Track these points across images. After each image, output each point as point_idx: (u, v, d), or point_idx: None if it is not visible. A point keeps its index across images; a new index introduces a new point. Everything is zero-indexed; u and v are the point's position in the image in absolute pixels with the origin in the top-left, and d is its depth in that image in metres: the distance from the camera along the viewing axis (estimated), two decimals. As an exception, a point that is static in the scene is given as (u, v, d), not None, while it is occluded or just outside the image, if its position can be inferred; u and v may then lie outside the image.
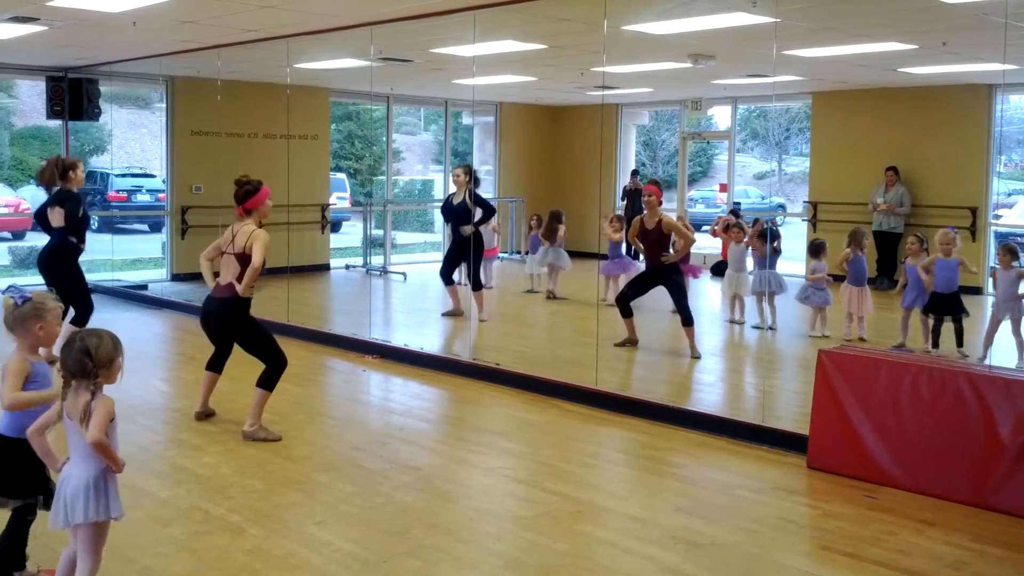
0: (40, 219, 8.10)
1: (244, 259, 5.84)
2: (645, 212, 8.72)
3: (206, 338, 6.36)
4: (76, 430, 3.37)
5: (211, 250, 6.11)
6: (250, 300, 5.99)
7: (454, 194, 10.34)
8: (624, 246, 11.81)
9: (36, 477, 3.66)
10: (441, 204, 10.72)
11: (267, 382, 6.02)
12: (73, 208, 7.80)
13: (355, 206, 23.10)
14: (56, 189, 7.88)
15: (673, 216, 9.69)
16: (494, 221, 11.56)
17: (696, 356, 8.55)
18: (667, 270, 8.65)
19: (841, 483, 5.28)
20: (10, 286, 3.81)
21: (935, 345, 8.31)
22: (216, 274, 6.07)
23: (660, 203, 8.67)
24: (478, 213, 10.10)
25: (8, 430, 3.61)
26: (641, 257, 9.60)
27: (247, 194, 5.96)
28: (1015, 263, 7.89)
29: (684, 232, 8.96)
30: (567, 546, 4.38)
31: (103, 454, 3.33)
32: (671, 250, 8.71)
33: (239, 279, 5.85)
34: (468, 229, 10.00)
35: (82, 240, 7.93)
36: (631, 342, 8.90)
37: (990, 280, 8.12)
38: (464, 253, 10.09)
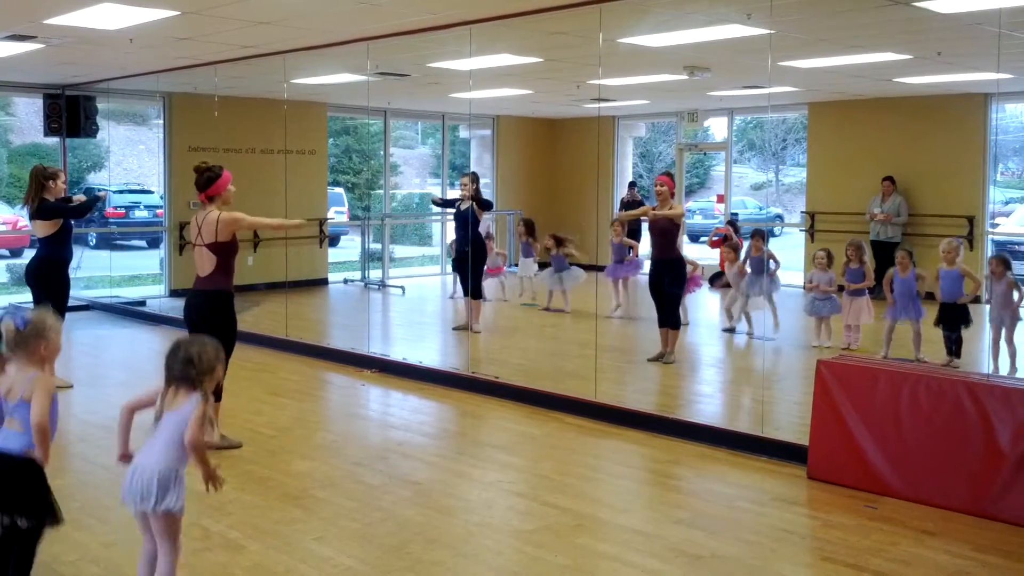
0: None
1: (216, 248, 5.82)
2: (656, 204, 8.70)
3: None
4: (167, 424, 3.48)
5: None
6: (233, 295, 5.99)
7: (461, 200, 10.31)
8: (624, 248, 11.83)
9: (40, 497, 3.60)
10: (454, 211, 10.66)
11: (216, 392, 6.02)
12: (54, 210, 7.76)
13: (353, 220, 23.12)
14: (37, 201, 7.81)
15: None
16: (488, 223, 11.66)
17: (671, 360, 8.55)
18: (672, 265, 8.57)
19: (841, 493, 5.27)
20: (5, 309, 3.78)
21: (956, 355, 8.23)
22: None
23: (672, 195, 8.64)
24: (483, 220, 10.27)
25: (17, 448, 3.57)
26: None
27: (208, 181, 5.89)
28: (1008, 273, 7.89)
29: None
30: (567, 560, 4.37)
31: (198, 456, 3.44)
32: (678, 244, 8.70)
33: (217, 269, 5.84)
34: (437, 200, 11.06)
35: (82, 213, 8.18)
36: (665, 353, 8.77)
37: (987, 292, 8.10)
38: (467, 263, 10.14)
